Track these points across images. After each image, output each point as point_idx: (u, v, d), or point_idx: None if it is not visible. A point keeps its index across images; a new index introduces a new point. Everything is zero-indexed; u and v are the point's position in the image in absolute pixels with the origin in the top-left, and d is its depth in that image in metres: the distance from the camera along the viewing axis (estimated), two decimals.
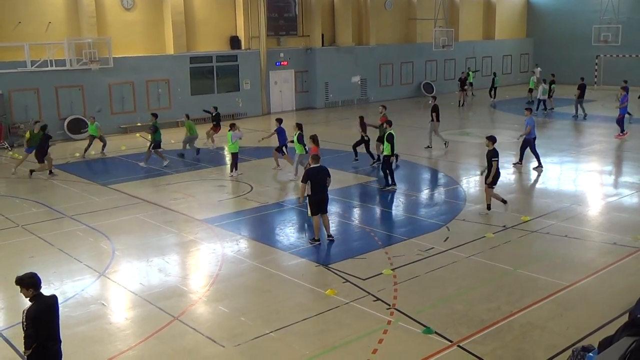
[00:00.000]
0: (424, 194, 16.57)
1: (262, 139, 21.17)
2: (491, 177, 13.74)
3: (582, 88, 28.53)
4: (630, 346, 3.64)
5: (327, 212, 12.61)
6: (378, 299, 9.69)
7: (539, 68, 40.10)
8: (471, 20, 42.76)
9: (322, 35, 34.55)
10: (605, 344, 4.49)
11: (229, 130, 18.28)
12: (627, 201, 15.17)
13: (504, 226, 13.14)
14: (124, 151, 23.03)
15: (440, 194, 16.46)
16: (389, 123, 17.12)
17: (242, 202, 15.83)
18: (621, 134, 23.42)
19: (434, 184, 17.96)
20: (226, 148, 20.14)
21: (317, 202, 12.25)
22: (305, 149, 17.22)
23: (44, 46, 25.29)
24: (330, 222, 12.81)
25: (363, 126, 19.59)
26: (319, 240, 12.43)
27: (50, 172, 19.17)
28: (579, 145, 22.34)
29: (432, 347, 8.20)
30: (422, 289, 10.13)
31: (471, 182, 17.52)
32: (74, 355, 8.20)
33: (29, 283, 6.47)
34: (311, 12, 33.73)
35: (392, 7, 38.41)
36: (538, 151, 18.45)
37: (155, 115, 20.94)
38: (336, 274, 10.81)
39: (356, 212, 15.04)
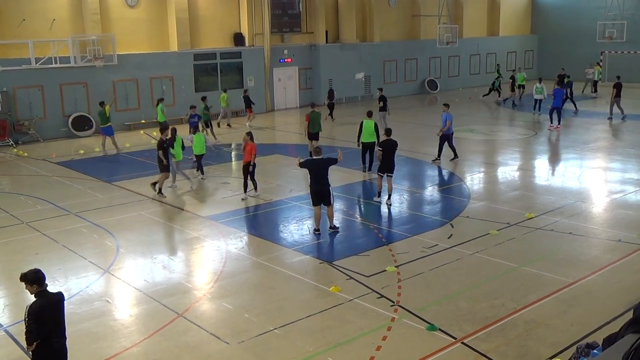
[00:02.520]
0: (428, 190, 16.55)
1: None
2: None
3: (617, 87, 27.28)
4: (634, 343, 3.63)
5: (330, 204, 12.75)
6: (382, 296, 9.69)
7: (592, 69, 36.41)
8: (475, 17, 42.64)
9: (326, 32, 34.51)
10: (610, 341, 4.48)
11: (193, 134, 18.35)
12: (632, 198, 15.13)
13: (508, 223, 13.12)
14: (128, 148, 23.05)
15: (444, 190, 16.44)
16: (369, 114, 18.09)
17: (246, 199, 15.82)
18: (552, 125, 24.77)
19: (437, 180, 17.93)
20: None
21: (314, 193, 12.68)
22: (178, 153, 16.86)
23: (48, 43, 25.31)
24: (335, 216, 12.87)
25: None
26: (318, 230, 12.70)
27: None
28: (583, 141, 22.27)
29: (436, 344, 8.20)
30: (426, 286, 10.13)
31: (475, 179, 17.49)
32: (78, 352, 8.23)
33: (33, 279, 6.49)
34: (315, 9, 33.69)
35: (396, 4, 38.33)
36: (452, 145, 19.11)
37: (204, 98, 24.36)
38: (340, 270, 10.81)
39: (360, 209, 15.02)
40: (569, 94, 29.20)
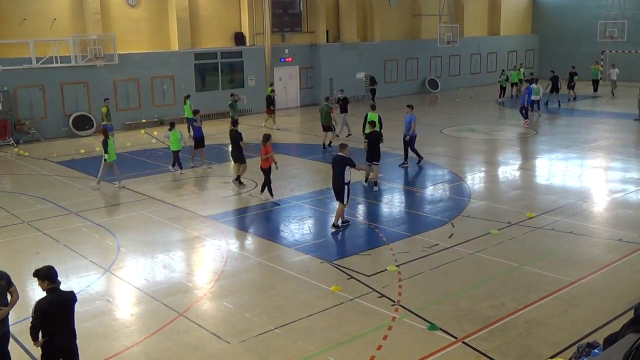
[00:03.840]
0: (429, 190, 16.55)
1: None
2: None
3: None
4: (635, 343, 3.63)
5: (341, 201, 12.94)
6: (383, 296, 9.69)
7: (616, 69, 35.41)
8: (476, 16, 42.62)
9: (327, 32, 34.51)
10: (611, 340, 4.48)
11: (170, 130, 18.55)
12: (632, 197, 15.12)
13: (509, 222, 13.12)
14: (129, 148, 23.05)
15: (444, 190, 16.44)
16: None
17: (246, 198, 15.84)
18: (526, 121, 25.62)
19: (438, 180, 17.92)
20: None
21: (333, 188, 13.11)
22: (111, 154, 16.86)
23: (49, 43, 25.33)
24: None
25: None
26: (347, 221, 13.21)
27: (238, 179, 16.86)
28: (584, 141, 22.27)
29: (436, 344, 8.20)
30: (427, 286, 10.13)
31: (476, 179, 17.49)
32: (79, 351, 8.24)
33: (45, 275, 6.59)
34: (316, 8, 33.68)
35: (397, 4, 38.32)
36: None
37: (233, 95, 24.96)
38: (341, 270, 10.82)
39: (361, 209, 15.02)
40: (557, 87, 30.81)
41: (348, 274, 10.60)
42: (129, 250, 12.20)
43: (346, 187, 12.82)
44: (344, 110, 23.68)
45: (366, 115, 18.53)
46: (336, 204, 13.34)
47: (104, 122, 22.52)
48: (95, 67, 26.39)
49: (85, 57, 25.99)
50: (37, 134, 25.02)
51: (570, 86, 33.00)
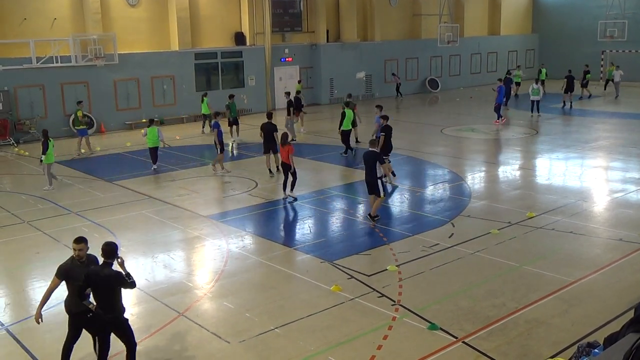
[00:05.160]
0: (429, 190, 16.55)
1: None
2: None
3: None
4: (635, 343, 3.63)
5: (376, 194, 13.40)
6: (383, 295, 9.69)
7: (620, 71, 34.88)
8: (476, 16, 42.63)
9: (327, 32, 34.51)
10: (611, 340, 4.48)
11: (149, 127, 18.85)
12: (633, 197, 15.11)
13: (509, 222, 13.12)
14: (129, 148, 23.06)
15: (445, 190, 16.44)
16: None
17: (247, 198, 15.84)
18: (497, 120, 26.22)
19: (438, 180, 17.92)
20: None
21: (366, 182, 13.52)
22: (48, 156, 16.69)
23: (49, 43, 25.34)
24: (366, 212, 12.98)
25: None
26: (377, 216, 13.39)
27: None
28: (585, 141, 22.26)
29: (437, 344, 8.20)
30: (427, 285, 10.13)
31: (476, 178, 17.49)
32: (79, 351, 8.24)
33: (107, 251, 7.08)
34: (316, 8, 33.69)
35: (397, 3, 38.33)
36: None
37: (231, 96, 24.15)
38: (341, 270, 10.81)
39: (361, 208, 15.02)
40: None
41: (348, 274, 10.60)
42: (129, 250, 12.19)
43: (379, 181, 13.39)
44: (290, 113, 23.68)
45: (343, 113, 20.24)
46: (364, 198, 14.01)
47: (81, 127, 21.75)
48: (96, 67, 26.40)
49: (86, 57, 26.01)
50: (37, 134, 25.00)
51: (583, 84, 33.30)
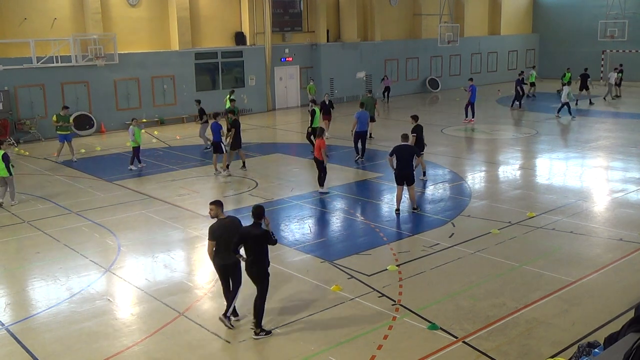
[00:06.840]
0: (429, 189, 16.54)
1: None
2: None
3: None
4: (636, 342, 3.62)
5: (411, 184, 13.91)
6: (383, 295, 9.69)
7: (614, 73, 34.24)
8: (477, 16, 42.63)
9: (327, 31, 34.50)
10: (611, 340, 4.47)
11: (133, 125, 19.07)
12: (633, 197, 15.11)
13: (509, 222, 13.12)
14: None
15: (445, 190, 16.43)
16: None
17: (247, 198, 15.84)
18: (466, 119, 27.01)
19: (438, 179, 17.91)
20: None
21: (400, 176, 13.80)
22: (10, 172, 15.33)
23: (49, 42, 25.34)
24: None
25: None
26: (398, 210, 13.92)
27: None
28: (585, 140, 22.25)
29: (437, 343, 8.20)
30: (427, 285, 10.13)
31: (476, 178, 17.48)
32: (79, 351, 8.26)
33: (257, 213, 8.49)
34: (316, 7, 33.68)
35: (397, 3, 38.33)
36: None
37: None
38: (341, 270, 10.81)
39: (361, 208, 15.03)
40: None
41: (348, 274, 10.60)
42: (129, 250, 12.20)
43: (413, 172, 14.01)
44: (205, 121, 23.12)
45: (313, 111, 20.31)
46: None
47: (61, 132, 20.58)
48: (96, 66, 26.39)
49: (86, 56, 26.00)
50: (37, 134, 25.04)
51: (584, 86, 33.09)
